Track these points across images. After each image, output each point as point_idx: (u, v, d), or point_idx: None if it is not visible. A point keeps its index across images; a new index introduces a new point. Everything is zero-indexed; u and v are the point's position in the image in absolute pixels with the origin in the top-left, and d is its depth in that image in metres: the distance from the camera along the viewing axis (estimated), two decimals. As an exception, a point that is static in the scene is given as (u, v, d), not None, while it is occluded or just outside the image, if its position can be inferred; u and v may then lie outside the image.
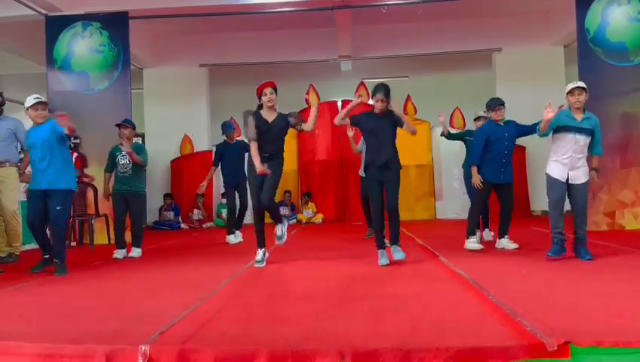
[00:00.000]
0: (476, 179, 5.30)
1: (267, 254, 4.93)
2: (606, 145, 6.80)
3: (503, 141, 5.34)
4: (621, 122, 6.93)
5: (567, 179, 4.55)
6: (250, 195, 4.90)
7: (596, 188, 6.84)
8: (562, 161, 4.57)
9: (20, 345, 2.41)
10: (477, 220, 5.52)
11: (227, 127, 7.08)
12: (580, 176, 4.57)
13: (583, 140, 4.55)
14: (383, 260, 4.59)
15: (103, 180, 6.02)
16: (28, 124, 5.67)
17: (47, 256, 4.85)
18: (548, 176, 4.65)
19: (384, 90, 4.62)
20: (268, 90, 4.73)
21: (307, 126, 4.83)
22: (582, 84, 4.57)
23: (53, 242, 4.86)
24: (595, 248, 5.20)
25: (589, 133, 4.57)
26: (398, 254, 4.55)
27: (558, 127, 4.57)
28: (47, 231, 5.04)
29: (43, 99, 4.87)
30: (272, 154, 4.75)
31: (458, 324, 2.58)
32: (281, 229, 4.91)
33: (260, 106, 4.83)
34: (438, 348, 2.18)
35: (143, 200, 5.97)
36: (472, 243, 5.29)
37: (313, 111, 4.83)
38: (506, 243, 5.39)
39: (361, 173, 6.76)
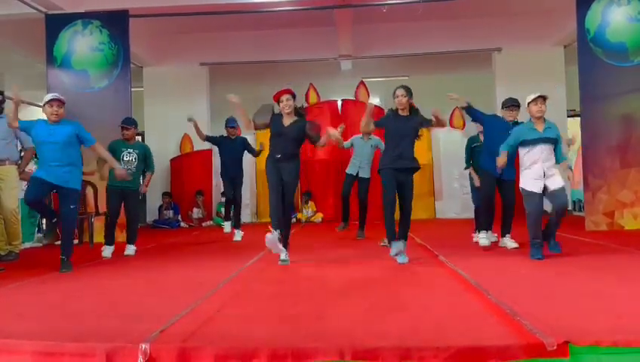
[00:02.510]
0: (501, 161, 4.90)
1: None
2: (606, 146, 6.90)
3: (504, 136, 5.30)
4: (621, 122, 6.94)
5: (544, 189, 4.57)
6: (269, 191, 4.92)
7: (595, 188, 6.85)
8: (535, 173, 4.58)
9: (20, 343, 2.41)
10: (488, 215, 5.43)
11: (230, 121, 7.06)
12: (555, 181, 4.57)
13: (549, 148, 4.61)
14: (400, 256, 4.59)
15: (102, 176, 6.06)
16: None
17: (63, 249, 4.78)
18: (523, 189, 4.65)
19: (405, 87, 4.78)
20: (284, 98, 4.86)
21: (319, 142, 5.01)
22: (543, 94, 4.64)
23: (62, 239, 4.84)
24: (594, 248, 5.23)
25: (554, 141, 4.61)
26: (401, 258, 4.57)
27: (524, 141, 4.62)
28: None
29: (60, 96, 4.81)
30: (285, 157, 4.87)
31: (458, 323, 2.59)
32: (285, 255, 4.79)
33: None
34: (437, 347, 2.18)
35: (140, 197, 5.96)
36: (481, 238, 5.37)
37: (325, 139, 5.00)
38: (507, 241, 5.41)
39: (348, 170, 6.92)
